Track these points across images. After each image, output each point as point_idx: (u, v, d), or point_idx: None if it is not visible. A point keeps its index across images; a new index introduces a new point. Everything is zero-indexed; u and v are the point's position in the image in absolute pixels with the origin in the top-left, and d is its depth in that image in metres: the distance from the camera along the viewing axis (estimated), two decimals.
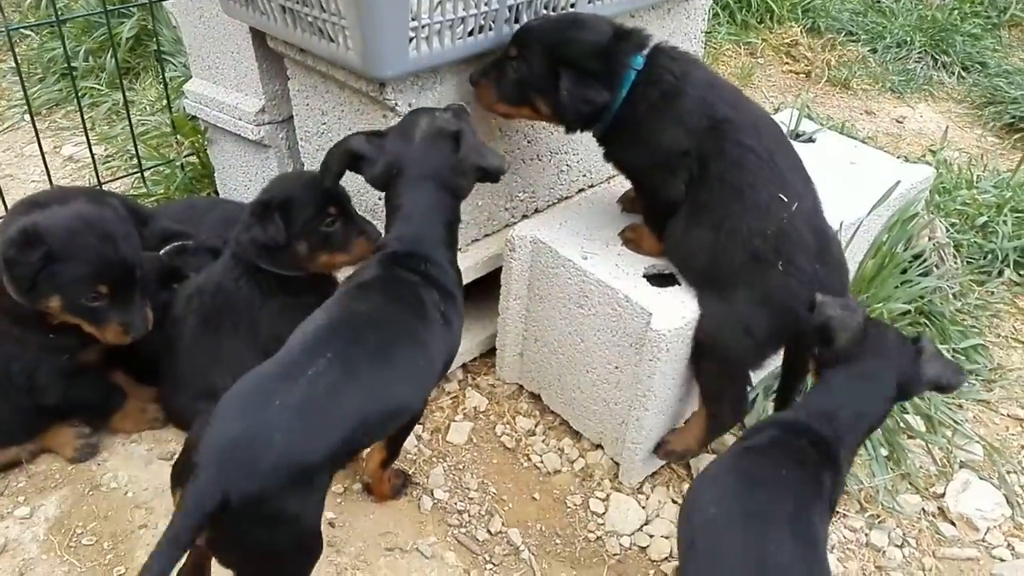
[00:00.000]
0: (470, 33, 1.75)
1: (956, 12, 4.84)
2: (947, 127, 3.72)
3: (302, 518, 1.32)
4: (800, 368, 1.88)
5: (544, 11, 1.86)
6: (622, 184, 2.23)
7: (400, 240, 1.57)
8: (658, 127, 1.72)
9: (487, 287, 2.15)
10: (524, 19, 1.82)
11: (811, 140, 2.50)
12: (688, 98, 1.71)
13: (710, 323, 1.75)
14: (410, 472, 1.97)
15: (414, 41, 1.64)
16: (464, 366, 2.28)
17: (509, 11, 1.78)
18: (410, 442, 2.05)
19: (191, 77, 2.54)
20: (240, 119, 2.31)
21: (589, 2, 1.94)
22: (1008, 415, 2.30)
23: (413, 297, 1.51)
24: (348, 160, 1.63)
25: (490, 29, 1.78)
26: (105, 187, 2.82)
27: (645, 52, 1.74)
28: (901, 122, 3.99)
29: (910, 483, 2.05)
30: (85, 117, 2.85)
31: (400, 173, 1.59)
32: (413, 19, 1.60)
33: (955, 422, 2.20)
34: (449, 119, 1.62)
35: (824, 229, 1.77)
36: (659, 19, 2.26)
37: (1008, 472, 2.10)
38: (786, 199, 1.69)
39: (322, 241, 1.82)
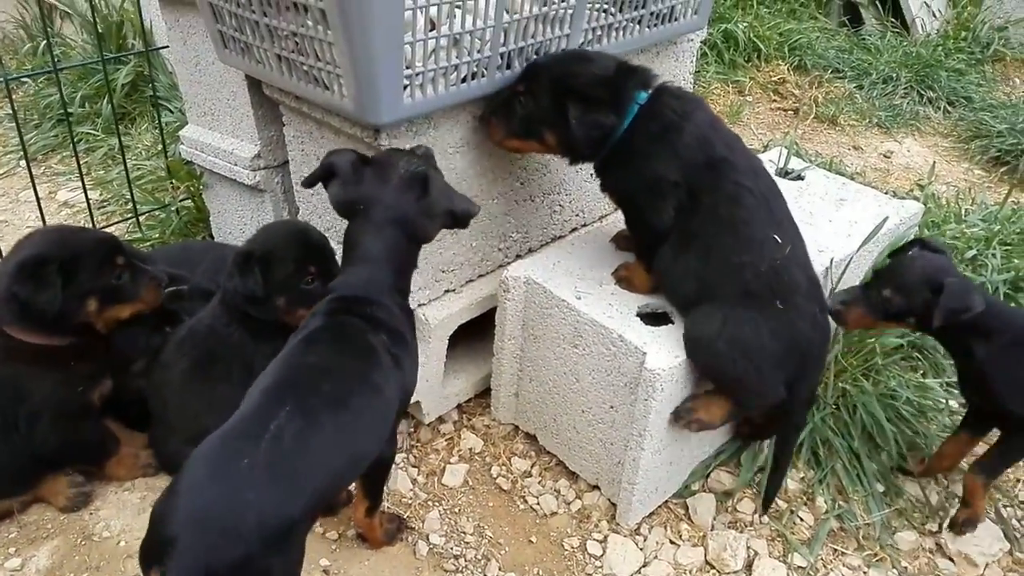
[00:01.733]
0: (463, 80, 1.78)
1: (940, 48, 4.94)
2: (934, 162, 3.77)
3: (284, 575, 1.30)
4: (795, 420, 1.90)
5: (536, 58, 1.90)
6: (615, 224, 2.26)
7: (348, 285, 1.56)
8: (653, 156, 1.75)
9: (481, 327, 2.15)
10: (516, 65, 1.85)
11: (800, 178, 2.53)
12: (687, 134, 1.74)
13: (697, 329, 1.75)
14: (405, 516, 1.96)
15: (408, 88, 1.67)
16: (459, 407, 2.28)
17: (501, 58, 1.81)
18: (405, 485, 2.04)
19: (186, 122, 2.57)
20: (236, 164, 2.34)
21: (580, 47, 1.97)
22: None
23: (361, 343, 1.49)
24: (326, 173, 1.62)
25: (483, 76, 1.81)
26: None
27: (650, 90, 1.79)
28: (888, 157, 4.05)
29: (907, 520, 2.04)
30: (81, 162, 2.88)
31: (365, 211, 1.56)
32: (407, 67, 1.63)
33: None
34: (420, 162, 1.61)
35: (814, 276, 1.79)
36: (648, 61, 2.29)
37: (1005, 507, 2.10)
38: (780, 241, 1.71)
39: (300, 297, 1.83)
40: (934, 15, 5.35)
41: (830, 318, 1.84)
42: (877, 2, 5.36)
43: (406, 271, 1.64)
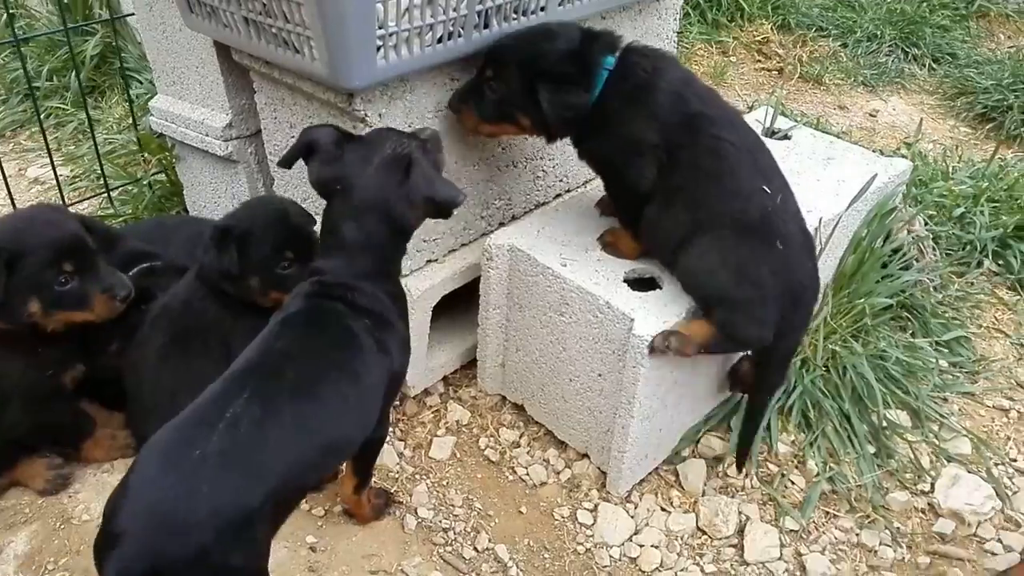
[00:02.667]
0: (439, 40, 1.71)
1: (925, 4, 4.87)
2: (921, 119, 3.73)
3: (246, 570, 1.25)
4: (777, 369, 1.85)
5: (514, 16, 1.83)
6: (599, 188, 2.20)
7: (327, 271, 1.50)
8: (628, 117, 1.71)
9: (466, 298, 2.11)
10: (494, 24, 1.78)
11: (787, 137, 2.49)
12: (660, 92, 1.69)
13: (692, 262, 1.71)
14: (392, 490, 1.93)
15: (382, 50, 1.60)
16: (445, 379, 2.24)
17: (478, 16, 1.74)
18: (392, 460, 2.01)
19: (157, 94, 2.49)
20: (207, 135, 2.26)
21: (560, 4, 1.90)
22: (993, 406, 2.30)
23: (339, 327, 1.44)
24: (306, 149, 1.54)
25: (459, 35, 1.74)
26: (72, 208, 2.75)
27: (617, 53, 1.73)
28: (874, 116, 4.00)
29: (899, 480, 2.04)
30: (50, 138, 2.79)
31: (345, 192, 1.49)
32: (380, 27, 1.56)
33: (941, 416, 2.19)
34: (408, 144, 1.53)
35: (806, 227, 1.75)
36: (630, 20, 2.23)
37: (996, 464, 2.09)
38: (769, 192, 1.67)
39: (275, 281, 1.78)
40: None
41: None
42: None
43: (392, 257, 1.57)
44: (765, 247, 1.66)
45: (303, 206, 2.02)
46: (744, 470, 1.99)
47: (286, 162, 1.58)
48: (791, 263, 1.69)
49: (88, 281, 1.71)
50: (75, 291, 1.70)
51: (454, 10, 1.69)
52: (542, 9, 1.88)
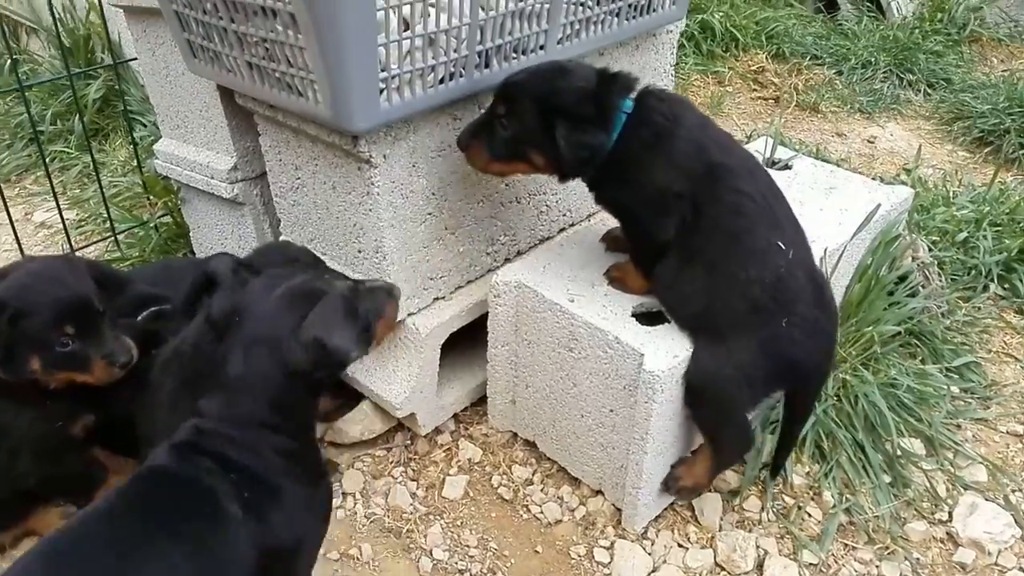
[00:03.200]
0: (441, 80, 1.73)
1: (917, 31, 4.92)
2: (920, 145, 3.75)
3: None
4: (802, 410, 1.86)
5: (514, 55, 1.85)
6: (603, 222, 2.21)
7: (206, 412, 1.34)
8: (651, 165, 1.69)
9: (472, 334, 2.10)
10: (494, 64, 1.80)
11: (787, 167, 2.50)
12: (681, 140, 1.67)
13: (705, 370, 1.70)
14: (405, 531, 1.90)
15: (385, 92, 1.61)
16: (455, 416, 2.23)
17: (479, 56, 1.76)
18: (405, 500, 1.99)
19: (161, 136, 2.50)
20: (213, 177, 2.27)
21: (559, 43, 1.92)
22: (1008, 432, 2.27)
23: (194, 492, 1.26)
24: (204, 284, 1.46)
25: (461, 75, 1.75)
26: (79, 252, 2.76)
27: (633, 95, 1.72)
28: (872, 142, 4.03)
29: (916, 510, 2.01)
30: (55, 182, 2.81)
31: (237, 324, 1.33)
32: (383, 70, 1.57)
33: (955, 443, 2.17)
34: (330, 283, 1.39)
35: (817, 274, 1.75)
36: (628, 56, 2.25)
37: (1013, 491, 2.07)
38: (783, 246, 1.67)
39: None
40: None
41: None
42: None
43: (291, 408, 1.35)
44: (771, 342, 1.67)
45: (309, 247, 2.03)
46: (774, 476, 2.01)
47: (186, 307, 1.51)
48: (794, 335, 1.68)
49: (90, 345, 1.68)
50: (76, 354, 1.67)
51: (455, 51, 1.70)
52: (541, 47, 1.90)
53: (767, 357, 1.67)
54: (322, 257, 2.07)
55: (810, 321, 1.67)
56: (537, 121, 1.67)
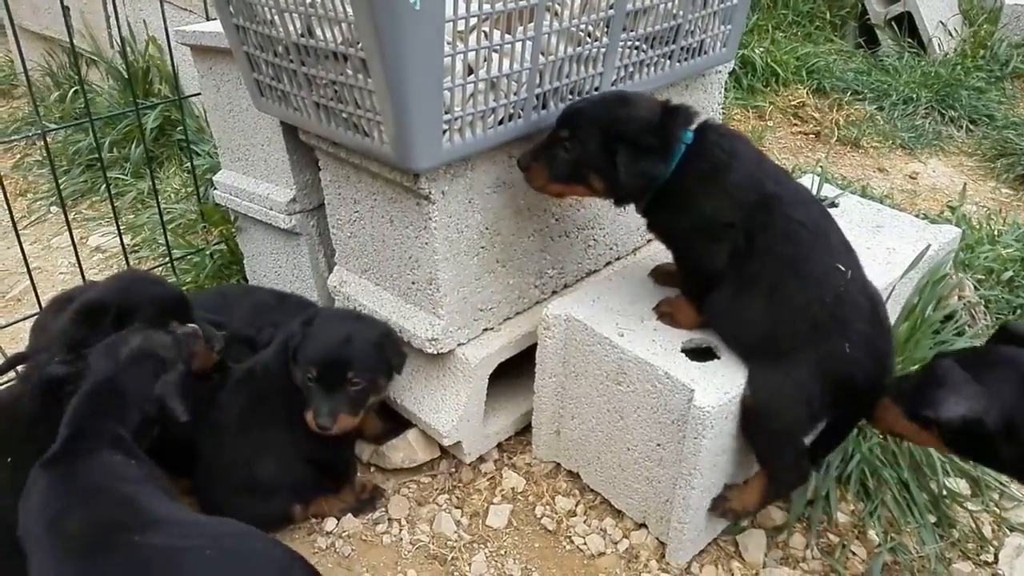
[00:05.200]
0: (500, 122, 1.79)
1: (959, 67, 4.92)
2: (964, 183, 3.74)
3: None
4: (844, 426, 1.87)
5: (570, 96, 1.91)
6: (649, 257, 2.25)
7: None
8: (705, 196, 1.74)
9: (518, 364, 2.14)
10: (551, 105, 1.86)
11: (834, 205, 2.52)
12: (737, 173, 1.73)
13: (765, 394, 1.73)
14: (450, 558, 1.94)
15: (447, 133, 1.68)
16: (500, 445, 2.26)
17: (536, 99, 1.82)
18: (449, 528, 2.02)
19: (216, 165, 2.60)
20: (271, 209, 2.35)
21: (612, 84, 1.98)
22: None
23: None
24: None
25: (519, 117, 1.82)
26: None
27: (693, 127, 1.77)
28: (915, 178, 4.03)
29: (961, 551, 2.00)
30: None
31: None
32: (446, 112, 1.64)
33: (1001, 484, 2.16)
34: (169, 344, 1.66)
35: (874, 293, 1.78)
36: (678, 94, 2.31)
37: None
38: (842, 267, 1.71)
39: None
40: (950, 34, 5.35)
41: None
42: (893, 23, 5.36)
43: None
44: (829, 360, 1.69)
45: (360, 277, 2.09)
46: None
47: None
48: (852, 353, 1.70)
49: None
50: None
51: (515, 94, 1.77)
52: (596, 89, 1.96)
53: (825, 376, 1.69)
54: (375, 288, 2.13)
55: (867, 338, 1.70)
56: (600, 146, 1.73)
